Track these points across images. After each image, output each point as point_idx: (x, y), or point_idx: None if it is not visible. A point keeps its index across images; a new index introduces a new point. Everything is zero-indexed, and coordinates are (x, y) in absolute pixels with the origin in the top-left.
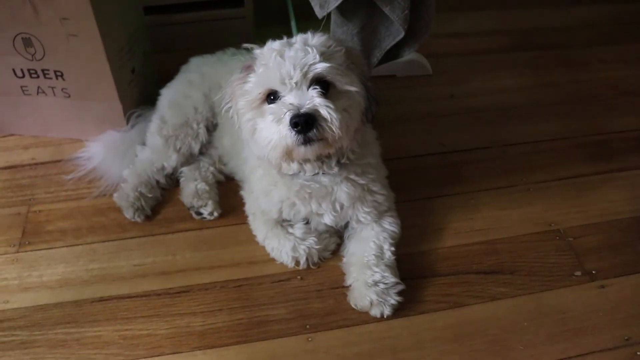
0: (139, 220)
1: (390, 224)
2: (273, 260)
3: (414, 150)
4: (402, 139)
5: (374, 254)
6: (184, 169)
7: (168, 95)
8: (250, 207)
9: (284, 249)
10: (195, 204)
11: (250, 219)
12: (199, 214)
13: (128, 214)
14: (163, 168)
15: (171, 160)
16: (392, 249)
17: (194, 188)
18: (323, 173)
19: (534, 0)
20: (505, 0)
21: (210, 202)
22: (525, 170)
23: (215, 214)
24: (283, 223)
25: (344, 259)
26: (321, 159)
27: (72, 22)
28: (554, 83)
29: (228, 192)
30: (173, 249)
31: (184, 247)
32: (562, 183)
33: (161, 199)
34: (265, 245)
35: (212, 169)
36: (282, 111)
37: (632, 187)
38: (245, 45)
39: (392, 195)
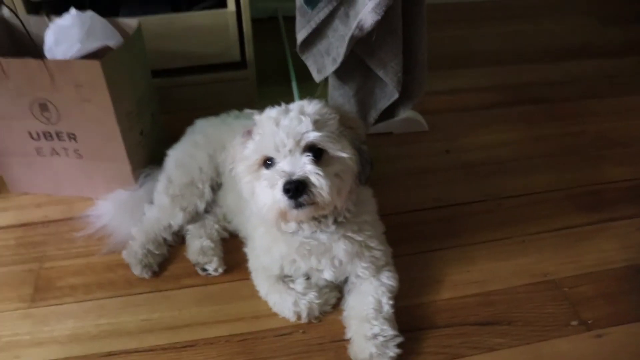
0: (146, 276)
1: (388, 278)
2: (276, 314)
3: (410, 205)
4: (399, 194)
5: (372, 308)
6: (190, 227)
7: (174, 155)
8: (252, 264)
9: (286, 303)
10: (200, 261)
11: (253, 274)
12: (204, 270)
13: (136, 270)
14: (170, 226)
15: (177, 219)
16: (391, 302)
17: (199, 245)
18: (321, 231)
19: (525, 56)
20: (497, 57)
21: (215, 259)
22: (520, 222)
23: (220, 270)
24: (284, 278)
25: (344, 313)
26: (317, 219)
27: (85, 88)
28: (546, 136)
29: (232, 249)
30: (179, 304)
31: (189, 302)
32: (556, 234)
33: (168, 255)
34: (268, 300)
35: (216, 226)
36: (276, 178)
37: (624, 237)
38: (247, 110)
39: (390, 250)
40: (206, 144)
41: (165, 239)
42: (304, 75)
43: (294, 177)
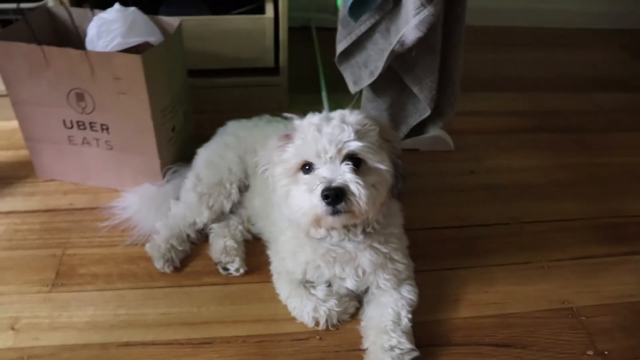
0: (168, 270)
1: (408, 292)
2: (294, 319)
3: (434, 223)
4: (423, 211)
5: (391, 320)
6: (214, 226)
7: (205, 154)
8: (276, 267)
9: (306, 308)
10: (222, 260)
11: (275, 277)
12: (226, 269)
13: (158, 264)
14: (195, 223)
15: (203, 217)
16: (409, 316)
17: (222, 244)
18: (348, 240)
19: (555, 85)
20: (528, 83)
21: (237, 259)
22: (541, 248)
23: (242, 270)
24: (306, 284)
25: (362, 323)
26: (347, 227)
27: (123, 81)
28: (573, 165)
29: (254, 251)
30: (198, 301)
31: (209, 300)
32: (577, 262)
33: (190, 252)
34: (288, 304)
35: (240, 227)
36: (315, 183)
37: None
38: (286, 114)
39: (412, 264)
40: (237, 145)
41: (188, 236)
42: (334, 85)
43: (334, 184)
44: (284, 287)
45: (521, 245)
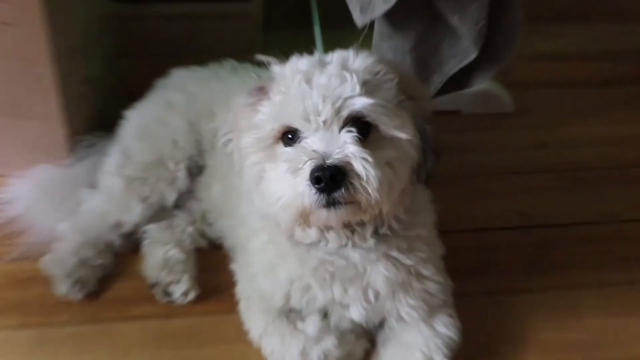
0: (77, 297)
1: (445, 326)
2: None
3: (483, 222)
4: (467, 203)
5: None
6: (151, 227)
7: (136, 119)
8: (244, 288)
9: (289, 352)
10: (162, 280)
11: (243, 305)
12: (168, 294)
13: (61, 288)
14: (120, 224)
15: (133, 214)
16: None
17: (162, 256)
18: (353, 246)
19: None
20: (623, 9)
21: (184, 278)
22: None
23: (191, 295)
24: (290, 314)
25: None
26: (351, 227)
27: (7, 4)
28: None
29: (211, 265)
30: (125, 344)
31: (141, 342)
32: None
33: (112, 268)
34: (262, 345)
35: (190, 229)
36: (302, 159)
37: None
38: (260, 57)
39: (450, 284)
40: (186, 106)
41: (111, 243)
42: (331, 17)
43: (329, 161)
44: (256, 319)
45: (620, 256)
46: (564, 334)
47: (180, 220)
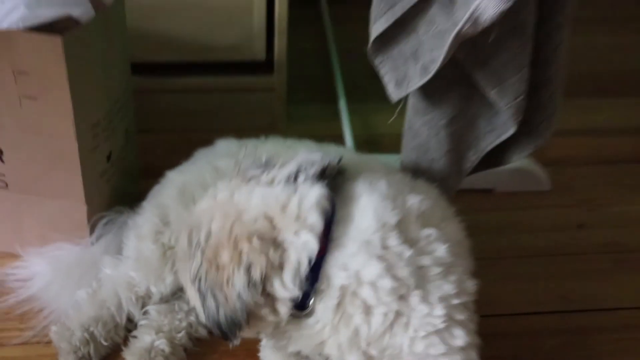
0: None
1: None
2: None
3: (517, 306)
4: (500, 286)
5: None
6: (151, 309)
7: (179, 182)
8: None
9: None
10: None
11: (264, 343)
12: None
13: None
14: (149, 295)
15: (165, 284)
16: None
17: (148, 343)
18: None
19: None
20: None
21: None
22: None
23: None
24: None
25: None
26: None
27: (32, 78)
28: None
29: (242, 350)
30: None
31: None
32: None
33: (121, 342)
34: None
35: (192, 317)
36: None
37: None
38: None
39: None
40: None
41: (130, 319)
42: (358, 90)
43: None
44: (269, 357)
45: None
46: None
47: (183, 302)
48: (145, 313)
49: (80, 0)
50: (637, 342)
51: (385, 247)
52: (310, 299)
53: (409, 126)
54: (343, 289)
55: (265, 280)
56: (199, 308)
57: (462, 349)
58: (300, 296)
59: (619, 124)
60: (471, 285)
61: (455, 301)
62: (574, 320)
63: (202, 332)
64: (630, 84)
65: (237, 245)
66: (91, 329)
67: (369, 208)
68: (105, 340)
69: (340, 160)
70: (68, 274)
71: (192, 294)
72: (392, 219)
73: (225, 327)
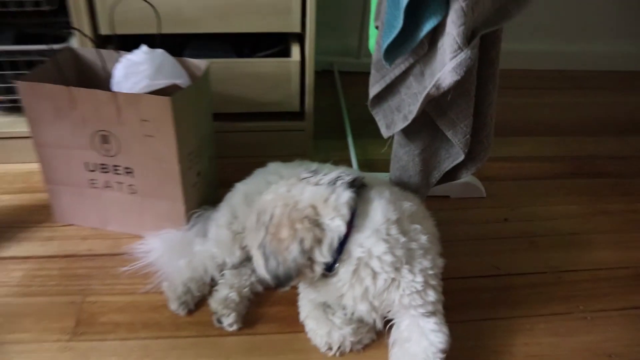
0: (182, 313)
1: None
2: None
3: (467, 272)
4: (454, 260)
5: None
6: (226, 272)
7: (244, 189)
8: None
9: (320, 331)
10: (219, 311)
11: (300, 296)
12: (220, 322)
13: (172, 305)
14: (224, 264)
15: (235, 257)
16: None
17: (224, 295)
18: None
19: (589, 129)
20: (560, 127)
21: (233, 315)
22: (583, 298)
23: (235, 327)
24: (327, 308)
25: None
26: None
27: (151, 124)
28: (612, 211)
29: (285, 300)
30: (226, 351)
31: (237, 350)
32: (623, 313)
33: (207, 294)
34: (305, 324)
35: (253, 279)
36: None
37: None
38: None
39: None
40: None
41: (212, 279)
42: (360, 130)
43: None
44: (305, 306)
45: (561, 296)
46: (524, 347)
47: (247, 269)
48: (222, 275)
49: (182, 73)
50: (543, 294)
51: (388, 234)
52: (336, 264)
53: (395, 154)
54: (359, 260)
55: (310, 250)
56: (261, 266)
57: (432, 302)
58: (331, 262)
59: (533, 154)
60: (440, 262)
61: (430, 272)
62: (501, 282)
63: (259, 288)
64: (535, 128)
65: (293, 224)
66: (188, 284)
67: (378, 208)
68: (197, 292)
69: (363, 177)
70: (173, 249)
71: (256, 256)
72: (393, 216)
73: (283, 278)
